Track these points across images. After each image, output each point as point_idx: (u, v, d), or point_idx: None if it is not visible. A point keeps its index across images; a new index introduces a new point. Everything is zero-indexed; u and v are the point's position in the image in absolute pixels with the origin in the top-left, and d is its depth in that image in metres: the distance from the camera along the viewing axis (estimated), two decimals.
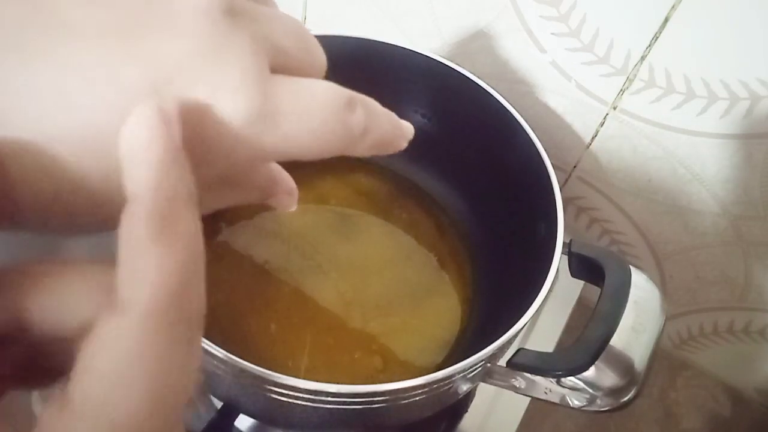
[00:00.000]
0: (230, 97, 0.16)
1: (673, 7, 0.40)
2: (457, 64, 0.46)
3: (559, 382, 0.36)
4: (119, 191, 0.15)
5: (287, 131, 0.17)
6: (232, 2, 0.17)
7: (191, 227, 0.14)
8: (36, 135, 0.14)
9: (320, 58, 0.20)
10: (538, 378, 0.36)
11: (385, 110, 0.21)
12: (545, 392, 0.37)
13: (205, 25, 0.16)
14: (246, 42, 0.16)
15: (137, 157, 0.14)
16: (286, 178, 0.26)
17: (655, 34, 0.41)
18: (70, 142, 0.15)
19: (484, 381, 0.37)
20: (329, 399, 0.32)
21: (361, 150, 0.20)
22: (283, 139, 0.17)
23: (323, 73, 0.20)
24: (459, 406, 0.45)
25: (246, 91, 0.16)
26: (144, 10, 0.15)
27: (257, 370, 0.30)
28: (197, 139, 0.16)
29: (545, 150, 0.42)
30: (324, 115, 0.17)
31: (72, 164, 0.15)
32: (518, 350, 0.36)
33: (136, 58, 0.15)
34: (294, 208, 0.26)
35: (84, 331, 0.14)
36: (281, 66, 0.18)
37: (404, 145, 0.22)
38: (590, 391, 0.35)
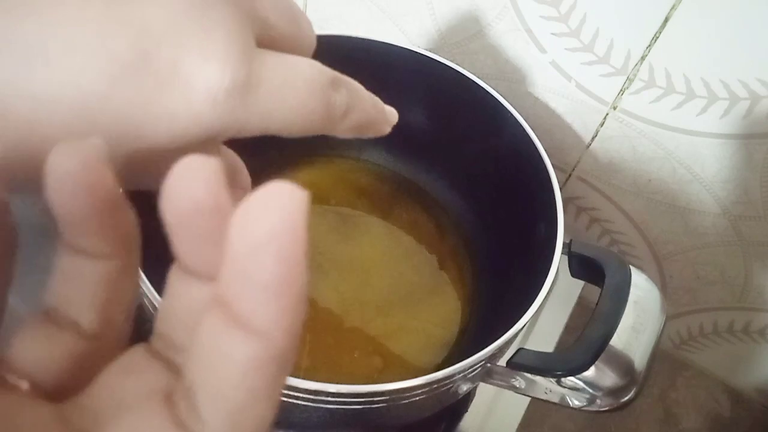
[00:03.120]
0: (215, 65, 0.16)
1: (673, 7, 0.40)
2: (457, 64, 0.46)
3: (559, 382, 0.36)
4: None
5: (269, 105, 0.17)
6: None
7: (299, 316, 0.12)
8: (12, 90, 0.14)
9: (309, 35, 0.20)
10: (538, 378, 0.36)
11: (369, 94, 0.20)
12: (545, 392, 0.37)
13: None
14: (232, 12, 0.16)
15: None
16: (246, 174, 0.24)
17: (655, 34, 0.41)
18: (51, 102, 0.14)
19: (484, 381, 0.37)
20: (329, 399, 0.32)
21: (342, 130, 0.19)
22: (264, 112, 0.17)
23: (312, 51, 0.20)
24: (459, 406, 0.45)
25: (231, 61, 0.16)
26: None
27: None
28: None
29: (545, 150, 0.42)
30: (307, 92, 0.17)
31: (54, 125, 0.15)
32: (518, 350, 0.36)
33: (122, 24, 0.15)
34: None
35: None
36: (268, 40, 0.18)
37: (387, 130, 0.22)
38: (590, 391, 0.35)
